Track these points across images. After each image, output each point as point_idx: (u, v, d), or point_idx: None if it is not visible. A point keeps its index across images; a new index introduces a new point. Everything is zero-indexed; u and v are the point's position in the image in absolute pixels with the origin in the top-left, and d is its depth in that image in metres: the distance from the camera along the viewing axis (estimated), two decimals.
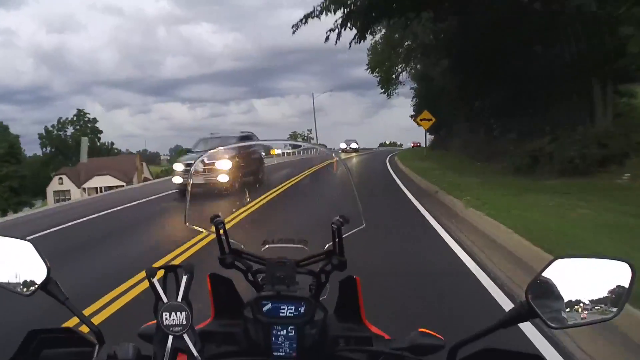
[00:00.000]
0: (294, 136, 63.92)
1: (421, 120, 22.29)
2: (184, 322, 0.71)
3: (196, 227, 0.98)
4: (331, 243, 0.88)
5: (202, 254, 5.07)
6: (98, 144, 57.80)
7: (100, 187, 37.52)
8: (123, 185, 30.72)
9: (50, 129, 56.98)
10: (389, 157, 29.97)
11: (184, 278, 0.73)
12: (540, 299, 0.73)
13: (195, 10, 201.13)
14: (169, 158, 66.48)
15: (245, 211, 7.88)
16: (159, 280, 0.73)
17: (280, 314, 0.81)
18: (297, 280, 0.87)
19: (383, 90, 33.45)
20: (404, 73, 32.33)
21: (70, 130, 57.36)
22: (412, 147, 74.40)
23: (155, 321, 0.73)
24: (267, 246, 0.93)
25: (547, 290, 0.74)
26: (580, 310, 0.74)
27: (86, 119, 58.18)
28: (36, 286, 0.77)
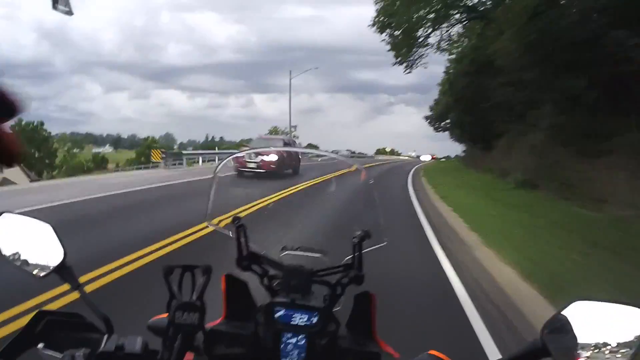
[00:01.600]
0: (274, 131, 60.38)
1: None
2: (196, 322, 0.70)
3: (217, 228, 0.97)
4: (351, 256, 0.87)
5: None
6: None
7: None
8: None
9: None
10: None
11: (201, 278, 0.73)
12: (555, 337, 0.73)
13: None
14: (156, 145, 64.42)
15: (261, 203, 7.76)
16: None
17: (292, 322, 0.80)
18: (312, 289, 0.86)
19: (398, 59, 20.53)
20: (437, 32, 19.79)
21: None
22: (432, 159, 69.56)
23: (165, 315, 0.72)
24: (285, 252, 0.92)
25: (562, 330, 0.74)
26: (592, 355, 0.74)
27: None
28: (50, 269, 0.77)
